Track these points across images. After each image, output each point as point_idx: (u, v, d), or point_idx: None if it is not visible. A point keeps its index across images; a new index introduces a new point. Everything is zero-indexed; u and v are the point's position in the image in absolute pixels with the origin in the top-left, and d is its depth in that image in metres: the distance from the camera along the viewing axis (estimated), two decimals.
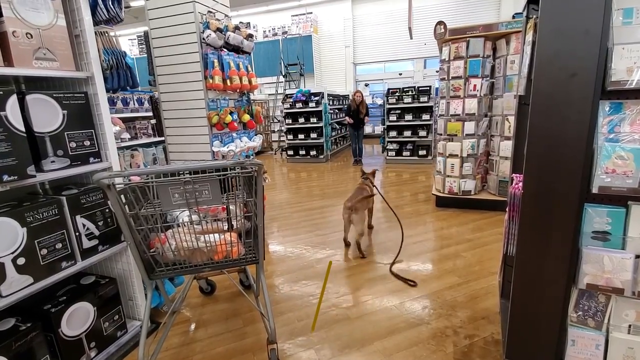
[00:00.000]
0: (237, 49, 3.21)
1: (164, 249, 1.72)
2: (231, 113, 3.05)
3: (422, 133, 7.19)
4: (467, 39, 3.75)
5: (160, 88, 3.12)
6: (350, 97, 7.53)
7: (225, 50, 3.04)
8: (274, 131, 10.83)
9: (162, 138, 3.28)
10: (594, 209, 1.32)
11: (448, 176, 4.14)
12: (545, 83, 1.22)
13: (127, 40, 14.72)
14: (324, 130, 7.99)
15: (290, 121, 8.23)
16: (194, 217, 2.05)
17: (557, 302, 1.43)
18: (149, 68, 3.11)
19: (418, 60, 12.31)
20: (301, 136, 8.18)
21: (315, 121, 7.97)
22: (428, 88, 7.28)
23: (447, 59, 3.95)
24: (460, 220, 3.80)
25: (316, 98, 7.94)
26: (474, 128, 3.92)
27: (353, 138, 7.69)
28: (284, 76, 10.62)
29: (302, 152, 8.22)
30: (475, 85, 3.81)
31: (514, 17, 4.65)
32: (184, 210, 1.82)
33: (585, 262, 1.35)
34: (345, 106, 7.87)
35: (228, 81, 3.03)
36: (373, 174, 3.62)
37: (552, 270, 1.39)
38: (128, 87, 2.06)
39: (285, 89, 9.91)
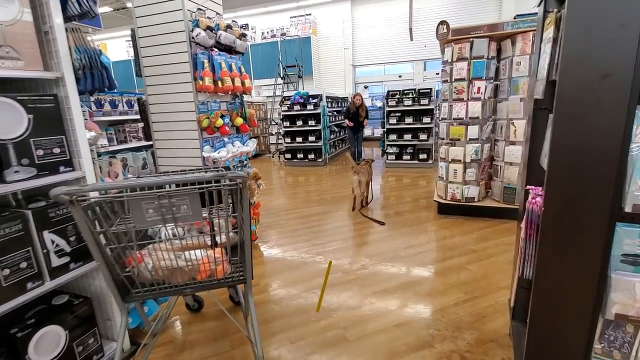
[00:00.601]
0: (229, 49, 3.05)
1: (139, 268, 1.55)
2: (222, 116, 2.89)
3: (423, 136, 7.03)
4: (471, 39, 3.59)
5: (148, 90, 2.96)
6: (350, 100, 7.38)
7: (216, 50, 2.88)
8: (272, 134, 10.67)
9: (151, 142, 3.11)
10: (626, 230, 1.15)
11: (451, 182, 3.97)
12: (572, 86, 1.05)
13: (124, 42, 14.60)
14: (322, 133, 7.83)
15: (288, 124, 8.07)
16: (178, 231, 1.88)
17: (581, 333, 1.27)
18: (136, 69, 2.95)
19: (418, 63, 12.18)
20: (299, 139, 8.02)
21: (314, 124, 7.81)
22: (429, 90, 7.13)
23: (449, 60, 3.79)
24: (464, 229, 3.63)
25: (314, 100, 7.78)
26: (478, 132, 3.76)
27: (352, 141, 7.54)
28: (282, 78, 10.47)
29: (300, 155, 8.05)
30: (479, 88, 3.66)
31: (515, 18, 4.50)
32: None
33: (614, 289, 1.18)
34: (345, 109, 7.71)
35: (219, 83, 2.87)
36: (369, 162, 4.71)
37: (576, 298, 1.22)
38: (105, 89, 1.89)
39: (283, 91, 9.76)
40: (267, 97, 11.12)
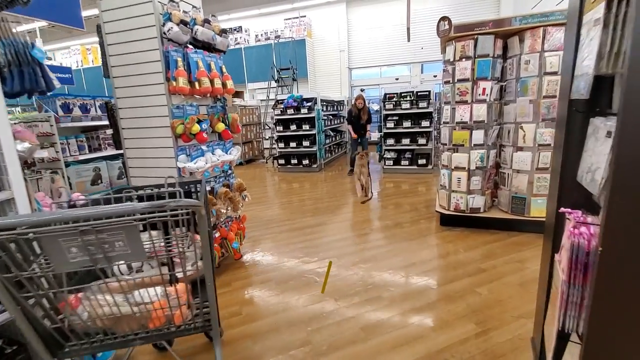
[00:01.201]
0: (208, 47, 2.73)
1: (70, 318, 1.22)
2: (200, 122, 2.57)
3: (422, 141, 6.74)
4: (475, 36, 3.30)
5: (117, 92, 2.63)
6: (352, 102, 7.05)
7: (191, 47, 2.56)
8: (266, 138, 10.36)
9: (122, 151, 2.78)
10: None
11: (454, 191, 3.67)
12: None
13: None
14: (317, 138, 7.52)
15: (281, 128, 7.75)
16: (132, 265, 1.55)
17: None
18: (103, 69, 2.63)
19: (415, 65, 11.94)
20: (293, 144, 7.70)
21: (308, 128, 7.50)
22: (427, 93, 6.85)
23: (452, 60, 3.50)
24: (469, 243, 3.32)
25: (308, 104, 7.48)
26: (483, 137, 3.47)
27: (354, 146, 7.21)
28: (276, 81, 10.17)
29: (294, 161, 7.73)
30: (484, 89, 3.36)
31: None
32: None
33: None
34: (346, 112, 7.35)
35: (196, 84, 2.55)
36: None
37: None
38: (37, 91, 1.56)
39: (277, 94, 9.45)
40: (262, 100, 10.82)
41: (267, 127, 10.02)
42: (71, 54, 15.17)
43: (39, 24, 5.43)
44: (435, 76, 11.97)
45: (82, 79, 15.64)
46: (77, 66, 15.11)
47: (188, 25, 2.46)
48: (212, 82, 2.68)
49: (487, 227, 3.62)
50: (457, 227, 3.71)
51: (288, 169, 7.92)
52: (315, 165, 7.66)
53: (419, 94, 6.94)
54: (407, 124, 6.79)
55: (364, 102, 6.75)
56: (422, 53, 11.57)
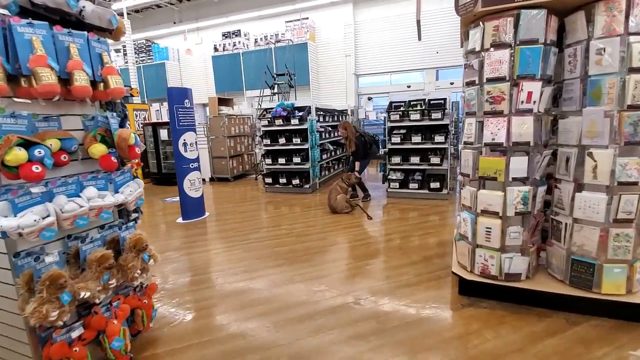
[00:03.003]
0: (66, 19, 1.65)
1: None
2: (31, 145, 1.46)
3: (435, 160, 5.50)
4: (517, 10, 2.12)
5: None
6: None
7: (19, 18, 1.48)
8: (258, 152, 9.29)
9: None
10: None
11: (480, 246, 2.44)
12: None
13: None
14: (310, 154, 6.38)
15: (269, 141, 6.65)
16: None
17: None
18: None
19: (429, 71, 10.73)
20: (282, 160, 6.58)
21: (299, 142, 6.37)
22: (442, 101, 5.63)
23: (478, 48, 2.31)
24: (509, 337, 2.08)
25: (300, 113, 6.36)
26: (527, 167, 2.25)
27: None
28: (270, 87, 9.14)
29: (283, 180, 6.59)
30: (530, 93, 2.15)
31: None
32: None
33: None
34: None
35: (28, 80, 1.46)
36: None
37: None
38: None
39: (271, 102, 8.40)
40: (257, 109, 9.79)
41: (259, 138, 8.95)
42: None
43: None
44: (452, 83, 10.74)
45: None
46: None
47: None
48: (71, 76, 1.58)
49: (531, 303, 2.37)
50: (485, 300, 2.47)
51: (276, 189, 6.78)
52: (307, 186, 6.50)
53: (431, 102, 5.73)
54: (416, 138, 5.57)
55: (348, 130, 5.54)
56: (438, 58, 10.38)
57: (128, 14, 13.14)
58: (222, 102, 8.89)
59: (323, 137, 7.24)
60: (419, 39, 4.93)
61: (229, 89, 12.10)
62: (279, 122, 6.46)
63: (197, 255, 3.68)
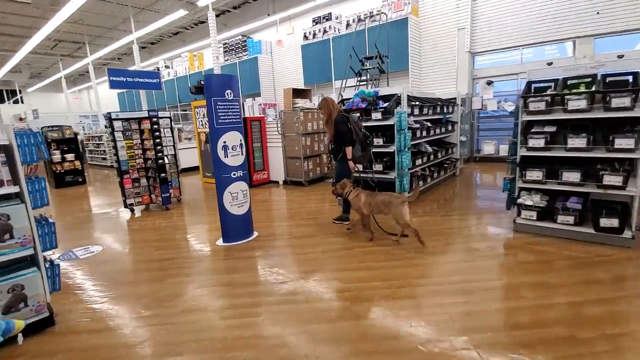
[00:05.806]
0: None
1: None
2: None
3: (612, 178, 3.18)
4: None
5: None
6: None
7: None
8: None
9: None
10: None
11: None
12: None
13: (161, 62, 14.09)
14: (396, 159, 4.67)
15: None
16: None
17: None
18: None
19: (582, 41, 7.57)
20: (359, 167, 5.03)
21: (382, 143, 4.71)
22: (630, 77, 3.24)
23: None
24: None
25: (386, 104, 4.68)
26: None
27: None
28: (356, 74, 7.60)
29: None
30: None
31: None
32: None
33: None
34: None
35: None
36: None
37: None
38: None
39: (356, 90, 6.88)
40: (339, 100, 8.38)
41: None
42: (182, 60, 15.77)
43: None
44: (620, 56, 7.36)
45: (175, 87, 16.19)
46: (186, 72, 15.62)
47: None
48: None
49: None
50: None
51: None
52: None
53: (608, 80, 3.38)
54: (577, 141, 3.32)
55: (328, 107, 4.11)
56: (597, 20, 7.20)
57: (228, 11, 13.32)
58: (299, 93, 7.75)
59: (420, 135, 5.40)
60: None
61: (317, 80, 11.03)
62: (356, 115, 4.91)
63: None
